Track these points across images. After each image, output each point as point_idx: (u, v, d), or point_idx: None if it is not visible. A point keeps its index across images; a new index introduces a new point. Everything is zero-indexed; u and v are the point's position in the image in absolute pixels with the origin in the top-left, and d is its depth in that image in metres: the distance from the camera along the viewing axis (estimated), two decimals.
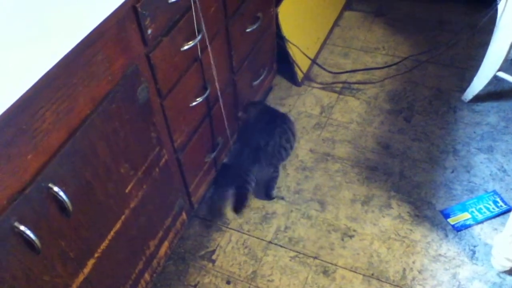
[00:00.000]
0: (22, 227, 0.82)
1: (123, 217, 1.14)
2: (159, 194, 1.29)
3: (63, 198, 0.88)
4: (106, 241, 1.09)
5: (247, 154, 1.71)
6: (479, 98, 1.98)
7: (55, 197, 0.88)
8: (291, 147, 1.78)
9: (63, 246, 0.95)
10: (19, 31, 0.85)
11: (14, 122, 0.77)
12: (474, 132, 1.88)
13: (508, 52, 1.74)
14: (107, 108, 0.98)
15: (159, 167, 1.25)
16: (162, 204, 1.33)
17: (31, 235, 0.83)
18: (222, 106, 1.50)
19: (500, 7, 1.69)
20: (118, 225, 1.13)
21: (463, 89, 2.01)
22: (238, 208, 1.69)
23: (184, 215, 1.47)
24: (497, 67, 1.80)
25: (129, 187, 1.13)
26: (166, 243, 1.40)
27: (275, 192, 1.72)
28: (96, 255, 1.07)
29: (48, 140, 0.85)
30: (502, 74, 1.84)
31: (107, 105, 0.98)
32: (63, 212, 0.92)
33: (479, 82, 1.91)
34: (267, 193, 1.72)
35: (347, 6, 2.59)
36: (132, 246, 1.23)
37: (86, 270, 1.04)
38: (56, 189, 0.87)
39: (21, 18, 0.88)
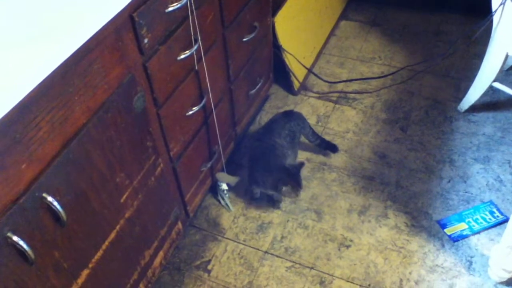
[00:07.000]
0: (15, 238, 0.81)
1: (118, 227, 1.13)
2: (155, 203, 1.28)
3: (57, 208, 0.87)
4: (101, 251, 1.08)
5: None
6: (475, 108, 1.99)
7: (49, 207, 0.87)
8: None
9: (57, 256, 0.94)
10: (13, 36, 0.84)
11: (9, 131, 0.76)
12: (470, 142, 1.88)
13: (503, 63, 1.75)
14: (103, 117, 0.98)
15: (154, 176, 1.24)
16: (157, 214, 1.32)
17: (25, 246, 0.82)
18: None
19: (495, 18, 1.70)
20: (112, 235, 1.11)
21: (459, 100, 2.01)
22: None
23: (179, 225, 1.46)
24: (493, 77, 1.81)
25: (124, 197, 1.12)
26: (161, 253, 1.38)
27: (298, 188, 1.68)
28: (90, 265, 1.05)
29: (43, 149, 0.85)
30: (497, 85, 1.85)
31: (103, 114, 0.97)
32: (57, 222, 0.90)
33: (474, 93, 1.92)
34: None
35: (343, 16, 2.60)
36: (127, 256, 1.21)
37: (80, 281, 1.03)
38: (50, 199, 0.86)
39: (16, 23, 0.87)
